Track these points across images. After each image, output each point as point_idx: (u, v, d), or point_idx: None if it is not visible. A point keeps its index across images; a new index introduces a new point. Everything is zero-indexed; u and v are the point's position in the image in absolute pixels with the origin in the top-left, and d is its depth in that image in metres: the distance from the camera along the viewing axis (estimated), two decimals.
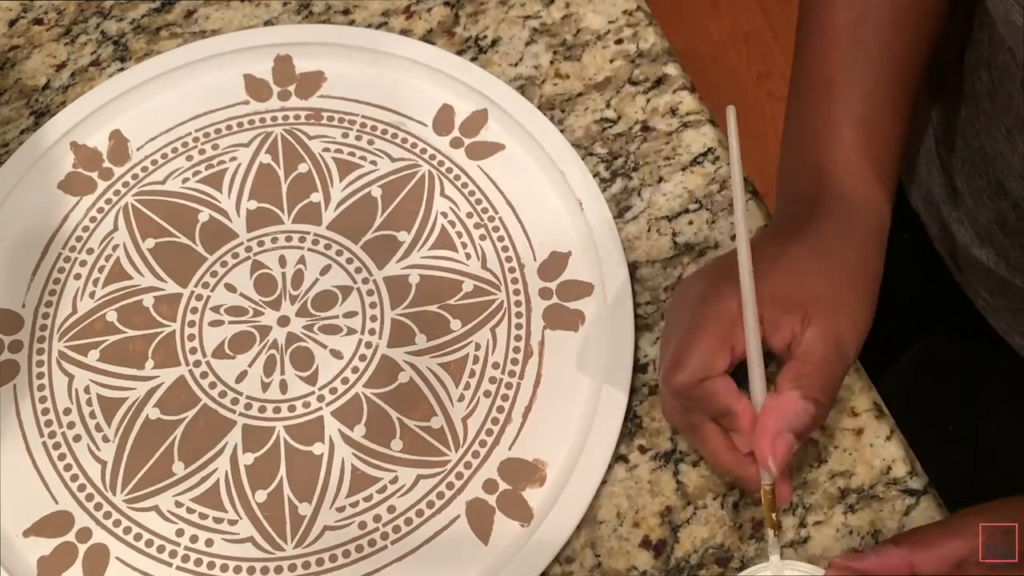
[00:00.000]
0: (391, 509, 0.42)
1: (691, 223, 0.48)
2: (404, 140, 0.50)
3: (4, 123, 0.51)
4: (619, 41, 0.53)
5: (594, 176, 0.49)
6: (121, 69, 0.52)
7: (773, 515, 0.38)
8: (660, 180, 0.49)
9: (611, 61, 0.53)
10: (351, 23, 0.54)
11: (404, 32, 0.54)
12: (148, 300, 0.46)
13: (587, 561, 0.41)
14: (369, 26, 0.54)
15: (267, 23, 0.54)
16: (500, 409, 0.44)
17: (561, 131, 0.50)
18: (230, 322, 0.46)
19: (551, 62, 0.53)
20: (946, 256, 0.50)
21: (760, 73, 1.34)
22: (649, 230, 0.48)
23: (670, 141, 0.50)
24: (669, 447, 0.43)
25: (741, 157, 0.39)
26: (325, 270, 0.47)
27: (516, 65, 0.52)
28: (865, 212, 0.41)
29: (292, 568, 0.41)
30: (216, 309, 0.46)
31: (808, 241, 0.40)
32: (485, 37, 0.53)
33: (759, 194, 0.50)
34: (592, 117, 0.51)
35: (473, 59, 0.52)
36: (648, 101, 0.52)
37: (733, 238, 0.48)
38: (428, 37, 0.53)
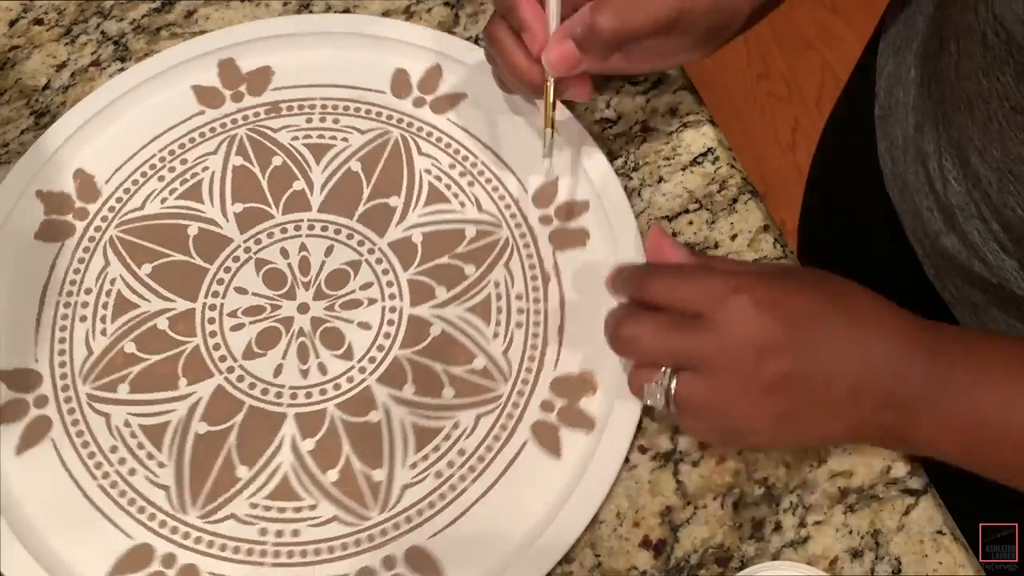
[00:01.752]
0: (461, 452, 0.43)
1: (691, 223, 0.49)
2: (368, 112, 0.51)
3: (4, 123, 0.52)
4: None
5: None
6: (121, 69, 0.53)
7: (552, 112, 0.43)
8: (660, 180, 0.50)
9: None
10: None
11: None
12: (163, 323, 0.46)
13: (587, 561, 0.42)
14: None
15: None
16: (536, 335, 0.45)
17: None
18: (251, 323, 0.46)
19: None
20: (918, 247, 0.51)
21: (760, 73, 1.34)
22: (649, 230, 0.48)
23: (670, 141, 0.51)
24: (669, 447, 0.44)
25: None
26: (329, 251, 0.48)
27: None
28: None
29: (383, 532, 0.42)
30: (233, 314, 0.46)
31: None
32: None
33: (759, 194, 0.50)
34: (592, 117, 0.51)
35: None
36: (648, 101, 0.52)
37: (733, 238, 0.48)
38: None
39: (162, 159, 0.50)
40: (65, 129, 0.50)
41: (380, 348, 0.46)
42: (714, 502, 0.43)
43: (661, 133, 0.51)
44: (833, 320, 0.38)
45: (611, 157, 0.50)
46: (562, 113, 0.50)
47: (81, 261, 0.48)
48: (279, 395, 0.45)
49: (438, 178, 0.50)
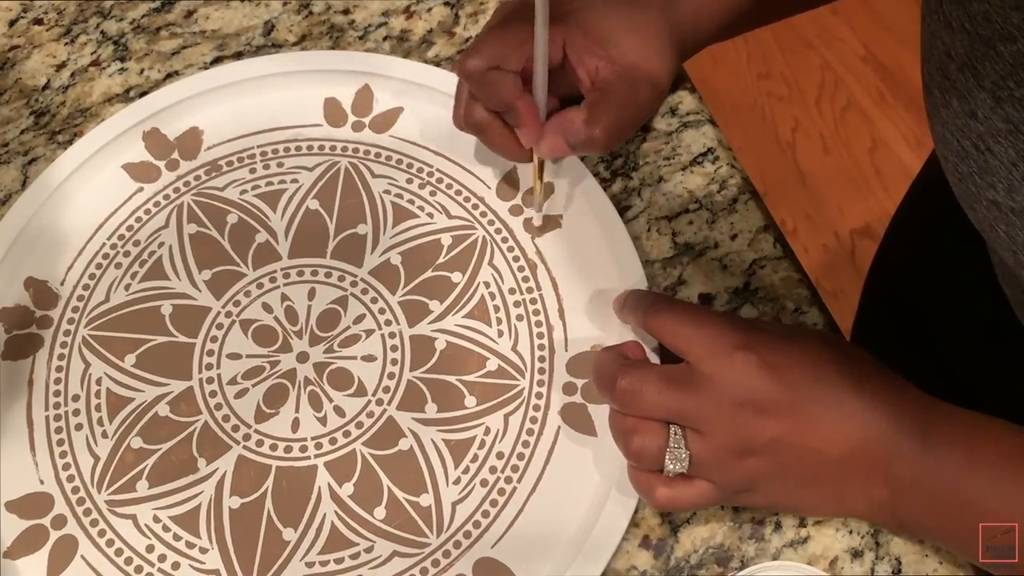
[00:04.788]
0: (500, 455, 0.42)
1: (691, 223, 0.49)
2: (310, 147, 0.50)
3: (4, 123, 0.51)
4: None
5: (594, 175, 0.49)
6: (121, 69, 0.52)
7: (540, 180, 0.44)
8: (660, 180, 0.50)
9: None
10: (351, 23, 0.54)
11: (404, 32, 0.54)
12: (163, 409, 0.44)
13: None
14: (369, 26, 0.54)
15: (267, 23, 0.54)
16: (539, 323, 0.44)
17: None
18: (253, 386, 0.45)
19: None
20: None
21: (760, 73, 1.34)
22: (649, 230, 0.49)
23: (670, 141, 0.51)
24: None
25: None
26: (311, 295, 0.47)
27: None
28: (684, 10, 0.43)
29: (447, 554, 0.41)
30: (233, 381, 0.45)
31: (627, 3, 0.42)
32: None
33: (758, 194, 0.50)
34: None
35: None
36: None
37: (733, 238, 0.49)
38: (428, 37, 0.53)
39: (113, 246, 0.49)
40: (3, 240, 0.48)
41: (391, 376, 0.45)
42: None
43: (661, 133, 0.51)
44: (836, 388, 0.38)
45: (611, 157, 0.50)
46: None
47: (60, 370, 0.46)
48: (304, 448, 0.44)
49: (399, 196, 0.50)
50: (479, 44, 0.41)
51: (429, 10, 0.54)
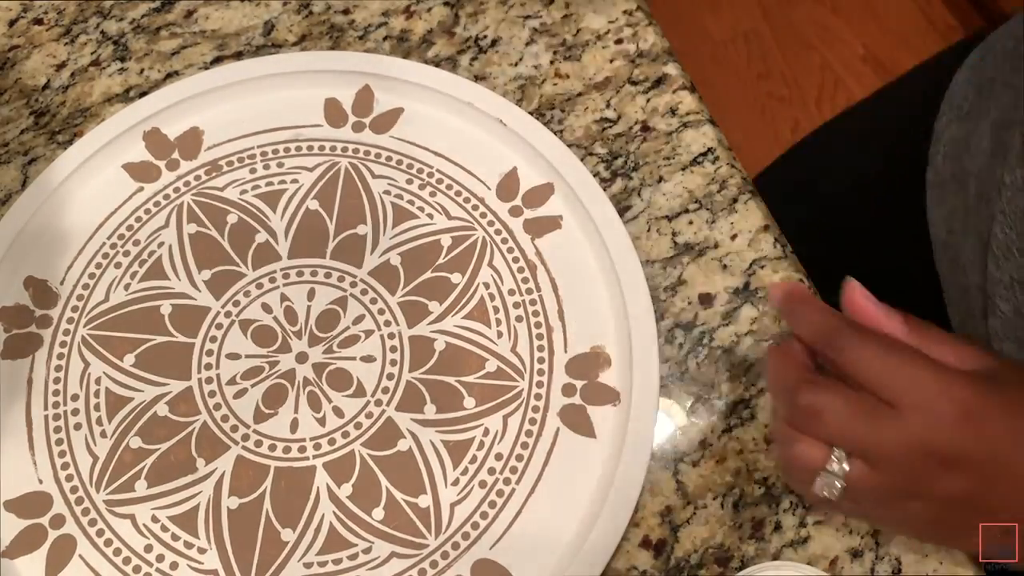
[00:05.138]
0: (499, 456, 0.42)
1: (691, 223, 0.49)
2: (311, 148, 0.50)
3: (4, 123, 0.51)
4: (619, 41, 0.53)
5: (594, 176, 0.49)
6: (121, 69, 0.52)
7: None
8: (660, 180, 0.50)
9: (611, 61, 0.53)
10: (351, 23, 0.54)
11: (404, 32, 0.54)
12: (162, 409, 0.44)
13: None
14: (369, 26, 0.54)
15: (267, 23, 0.54)
16: (538, 324, 0.44)
17: (560, 132, 0.50)
18: (252, 386, 0.45)
19: (551, 62, 0.52)
20: (955, 318, 0.50)
21: (760, 73, 1.34)
22: (649, 230, 0.49)
23: (670, 141, 0.51)
24: (668, 449, 0.44)
25: None
26: (311, 295, 0.47)
27: (516, 65, 0.53)
28: None
29: (445, 555, 0.41)
30: (232, 381, 0.45)
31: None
32: (485, 37, 0.53)
33: (759, 194, 0.50)
34: (592, 117, 0.51)
35: (473, 59, 0.52)
36: (648, 101, 0.52)
37: (733, 238, 0.48)
38: (428, 37, 0.53)
39: (113, 245, 0.49)
40: (3, 239, 0.48)
41: (390, 377, 0.45)
42: (714, 502, 0.43)
43: (661, 133, 0.51)
44: None
45: (611, 157, 0.50)
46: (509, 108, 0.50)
47: (59, 369, 0.46)
48: (302, 449, 0.44)
49: (399, 196, 0.50)
50: None
51: (429, 10, 0.54)
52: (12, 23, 0.54)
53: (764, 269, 0.48)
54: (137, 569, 0.42)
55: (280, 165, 0.51)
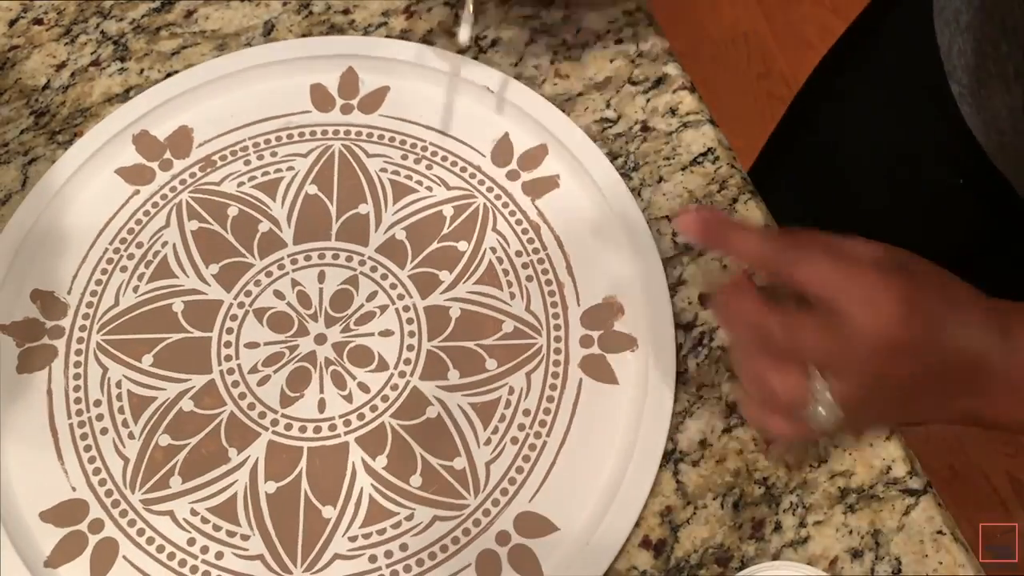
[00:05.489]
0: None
1: None
2: (302, 134, 0.51)
3: (4, 123, 0.51)
4: (619, 41, 0.53)
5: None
6: (121, 69, 0.52)
7: None
8: (660, 180, 0.50)
9: (611, 61, 0.53)
10: (351, 23, 0.54)
11: (404, 32, 0.54)
12: (187, 404, 0.44)
13: None
14: (369, 26, 0.54)
15: (267, 23, 0.54)
16: (548, 282, 0.45)
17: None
18: (275, 372, 0.45)
19: (551, 62, 0.53)
20: None
21: (760, 73, 1.34)
22: (649, 230, 0.48)
23: (670, 141, 0.51)
24: (669, 447, 0.44)
25: None
26: (321, 277, 0.47)
27: (516, 65, 0.53)
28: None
29: (487, 513, 0.42)
30: (254, 370, 0.45)
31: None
32: (485, 37, 0.53)
33: (759, 194, 0.50)
34: (592, 117, 0.51)
35: (473, 59, 0.52)
36: (648, 101, 0.52)
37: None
38: (428, 37, 0.54)
39: (116, 250, 0.48)
40: (5, 255, 0.48)
41: (410, 348, 0.46)
42: (714, 502, 0.43)
43: (661, 133, 0.51)
44: (946, 314, 0.37)
45: (611, 157, 0.50)
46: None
47: (77, 377, 0.46)
48: (333, 427, 0.44)
49: (396, 173, 0.50)
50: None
51: (429, 10, 0.54)
52: (12, 23, 0.54)
53: None
54: (183, 563, 0.42)
55: (274, 154, 0.51)
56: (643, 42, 0.53)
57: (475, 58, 0.53)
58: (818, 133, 0.64)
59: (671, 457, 0.43)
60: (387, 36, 0.54)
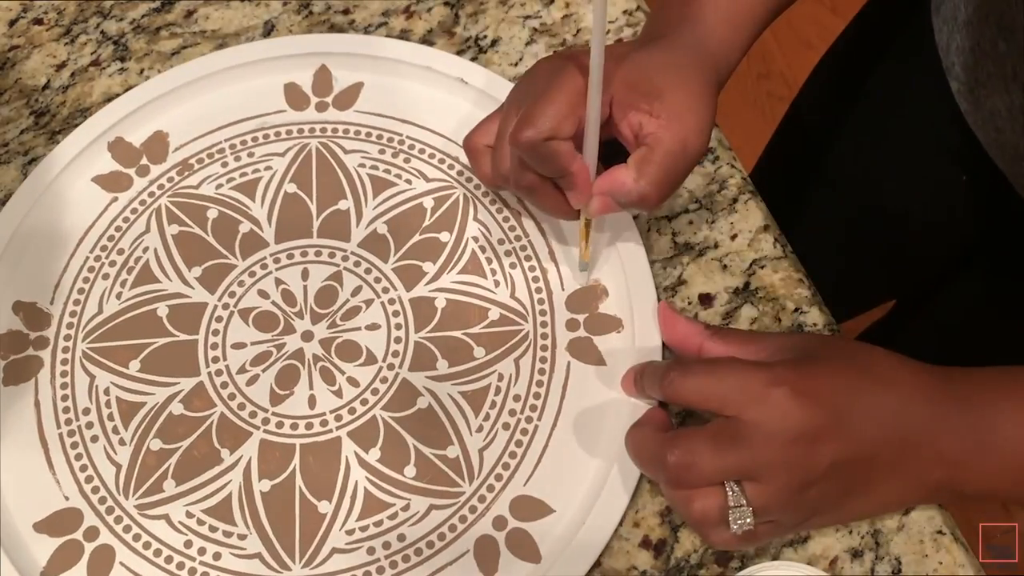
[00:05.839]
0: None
1: (691, 223, 0.49)
2: (278, 134, 0.51)
3: (4, 123, 0.51)
4: (619, 41, 0.53)
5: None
6: (121, 69, 0.52)
7: (585, 242, 0.44)
8: None
9: None
10: (351, 23, 0.54)
11: (404, 32, 0.54)
12: (177, 408, 0.44)
13: None
14: (369, 26, 0.54)
15: (267, 23, 0.54)
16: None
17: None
18: (263, 371, 0.45)
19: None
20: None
21: (760, 73, 1.34)
22: (649, 230, 0.49)
23: None
24: None
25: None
26: (304, 275, 0.47)
27: (516, 65, 0.53)
28: (714, 46, 0.43)
29: (482, 499, 0.42)
30: (242, 370, 0.45)
31: (663, 50, 0.42)
32: (485, 37, 0.53)
33: (759, 194, 0.50)
34: None
35: (473, 59, 0.52)
36: None
37: (733, 238, 0.48)
38: (428, 37, 0.54)
39: (97, 258, 0.48)
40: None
41: (398, 340, 0.46)
42: None
43: None
44: (869, 392, 0.38)
45: None
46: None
47: (64, 387, 0.45)
48: (324, 423, 0.45)
49: (375, 167, 0.50)
50: (533, 115, 0.40)
51: (429, 10, 0.54)
52: (12, 23, 0.55)
53: (764, 269, 0.48)
54: (181, 566, 0.42)
55: (251, 155, 0.51)
56: None
57: (475, 58, 0.53)
58: (818, 133, 0.64)
59: None
60: (387, 36, 0.54)
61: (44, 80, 0.52)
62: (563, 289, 0.47)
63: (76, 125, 0.51)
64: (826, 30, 0.62)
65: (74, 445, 0.44)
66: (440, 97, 0.52)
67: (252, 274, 0.48)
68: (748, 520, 0.37)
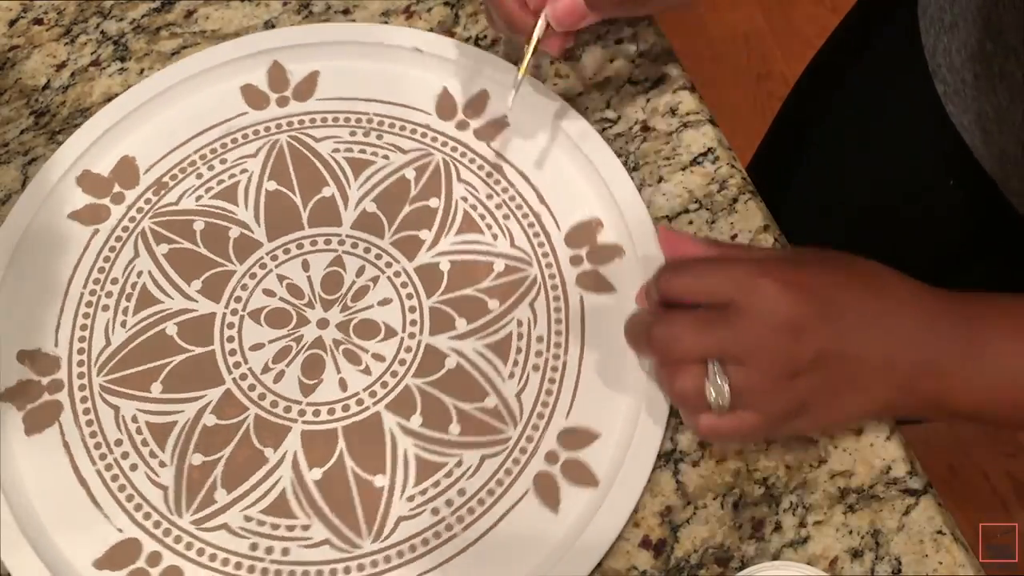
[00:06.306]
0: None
1: (691, 223, 0.49)
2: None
3: (4, 123, 0.51)
4: (619, 41, 0.53)
5: None
6: (121, 69, 0.52)
7: (529, 57, 0.44)
8: (660, 180, 0.50)
9: (611, 61, 0.53)
10: (351, 23, 0.54)
11: None
12: (210, 420, 0.44)
13: None
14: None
15: (267, 23, 0.54)
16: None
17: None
18: (270, 341, 0.46)
19: (551, 62, 0.52)
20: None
21: (760, 73, 1.34)
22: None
23: (670, 141, 0.51)
24: (669, 447, 0.44)
25: None
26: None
27: (516, 64, 0.51)
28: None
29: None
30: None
31: None
32: (485, 37, 0.53)
33: (759, 194, 0.50)
34: (592, 117, 0.51)
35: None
36: (648, 101, 0.52)
37: (733, 238, 0.48)
38: None
39: (92, 291, 0.47)
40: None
41: (412, 309, 0.47)
42: (714, 502, 0.43)
43: (661, 133, 0.51)
44: (860, 294, 0.38)
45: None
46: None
47: (90, 423, 0.45)
48: (360, 402, 0.45)
49: (349, 150, 0.51)
50: None
51: (429, 10, 0.54)
52: (12, 23, 0.54)
53: None
54: (252, 569, 0.42)
55: (223, 161, 0.51)
56: (643, 42, 0.53)
57: None
58: (811, 133, 0.65)
59: (671, 457, 0.44)
60: None
61: (44, 80, 0.52)
62: (559, 229, 0.48)
63: (76, 125, 0.51)
64: (826, 30, 0.64)
65: (114, 478, 0.44)
66: (398, 71, 0.53)
67: (253, 276, 0.48)
68: (725, 396, 0.37)
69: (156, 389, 0.45)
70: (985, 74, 0.49)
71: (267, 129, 0.51)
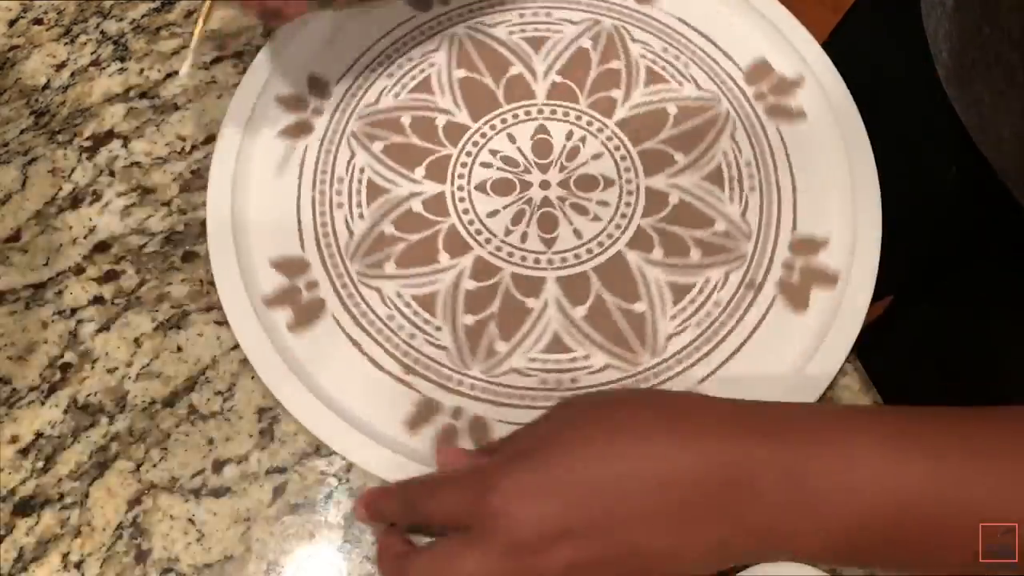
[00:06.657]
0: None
1: None
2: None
3: (4, 123, 0.51)
4: None
5: None
6: (121, 69, 0.53)
7: (203, 22, 0.45)
8: None
9: None
10: None
11: None
12: (417, 205, 0.48)
13: None
14: None
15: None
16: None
17: None
18: (504, 208, 0.49)
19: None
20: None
21: None
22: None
23: None
24: None
25: None
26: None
27: None
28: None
29: (656, 374, 0.45)
30: (481, 189, 0.49)
31: None
32: None
33: None
34: None
35: None
36: None
37: None
38: None
39: (388, 56, 0.53)
40: (300, 44, 0.52)
41: (623, 216, 0.49)
42: None
43: None
44: (622, 444, 0.34)
45: None
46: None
47: (328, 153, 0.50)
48: (537, 261, 0.48)
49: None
50: None
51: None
52: (12, 23, 0.54)
53: None
54: (380, 331, 0.46)
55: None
56: None
57: None
58: None
59: None
60: None
61: (44, 80, 0.52)
62: (794, 230, 0.49)
63: (76, 125, 0.51)
64: (826, 30, 0.62)
65: (320, 203, 0.49)
66: (732, 18, 0.54)
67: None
68: None
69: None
70: (982, 58, 0.48)
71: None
